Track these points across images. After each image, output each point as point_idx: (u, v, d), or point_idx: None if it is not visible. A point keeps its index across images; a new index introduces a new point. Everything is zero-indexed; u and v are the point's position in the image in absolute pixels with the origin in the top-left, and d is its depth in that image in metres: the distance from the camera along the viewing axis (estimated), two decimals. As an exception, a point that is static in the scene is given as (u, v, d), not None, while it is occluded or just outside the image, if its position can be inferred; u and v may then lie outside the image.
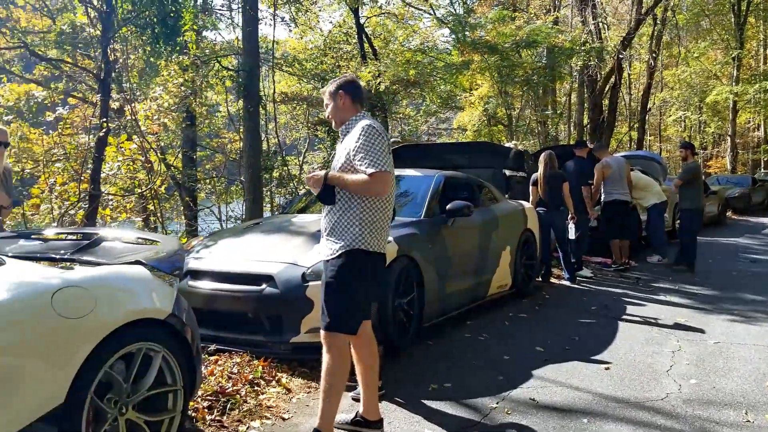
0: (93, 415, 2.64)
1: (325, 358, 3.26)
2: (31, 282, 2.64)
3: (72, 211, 8.39)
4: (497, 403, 3.89)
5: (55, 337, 2.49)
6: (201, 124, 14.25)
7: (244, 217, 11.24)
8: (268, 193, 13.11)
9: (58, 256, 3.28)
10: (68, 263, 3.18)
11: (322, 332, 3.28)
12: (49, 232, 4.06)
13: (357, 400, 3.67)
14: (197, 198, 13.51)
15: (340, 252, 3.25)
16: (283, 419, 3.61)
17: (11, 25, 12.51)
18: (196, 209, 12.79)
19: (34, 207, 8.62)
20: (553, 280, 8.45)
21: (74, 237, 3.90)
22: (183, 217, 12.71)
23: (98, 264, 3.11)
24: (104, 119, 8.08)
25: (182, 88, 10.31)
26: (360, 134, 3.27)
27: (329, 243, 3.31)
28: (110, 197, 9.47)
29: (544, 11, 19.31)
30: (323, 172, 3.33)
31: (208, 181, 14.07)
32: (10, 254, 3.14)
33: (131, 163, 9.72)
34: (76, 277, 2.74)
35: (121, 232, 4.31)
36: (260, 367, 4.18)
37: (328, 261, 3.30)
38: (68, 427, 2.49)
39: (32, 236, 3.88)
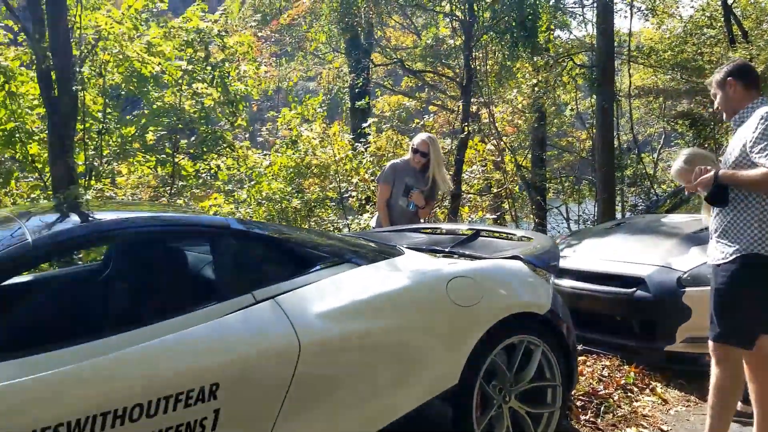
0: (480, 399, 2.80)
1: (715, 371, 2.95)
2: (429, 271, 2.91)
3: (434, 209, 9.12)
4: None
5: (451, 322, 2.70)
6: (549, 124, 14.31)
7: (595, 217, 10.94)
8: (619, 192, 12.55)
9: (440, 249, 3.57)
10: (450, 256, 3.43)
11: (710, 343, 2.98)
12: (432, 227, 4.46)
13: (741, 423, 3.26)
14: (546, 197, 13.59)
15: (734, 256, 2.90)
16: (662, 430, 3.37)
17: (383, 44, 14.19)
18: (545, 208, 12.86)
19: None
20: None
21: (454, 232, 4.21)
22: (532, 216, 12.89)
23: (477, 258, 3.30)
24: (465, 123, 8.61)
25: (536, 88, 10.46)
26: (758, 123, 2.88)
27: (720, 246, 2.99)
28: (468, 196, 10.07)
29: None
30: (713, 171, 3.01)
31: (556, 180, 14.05)
32: (405, 246, 3.50)
33: (486, 164, 10.19)
34: (466, 269, 2.94)
35: (497, 228, 4.52)
36: (632, 373, 3.98)
37: (718, 266, 2.98)
38: (461, 407, 2.68)
39: (419, 231, 4.30)
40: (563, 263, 4.80)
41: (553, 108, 13.38)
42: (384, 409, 2.53)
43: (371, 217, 7.76)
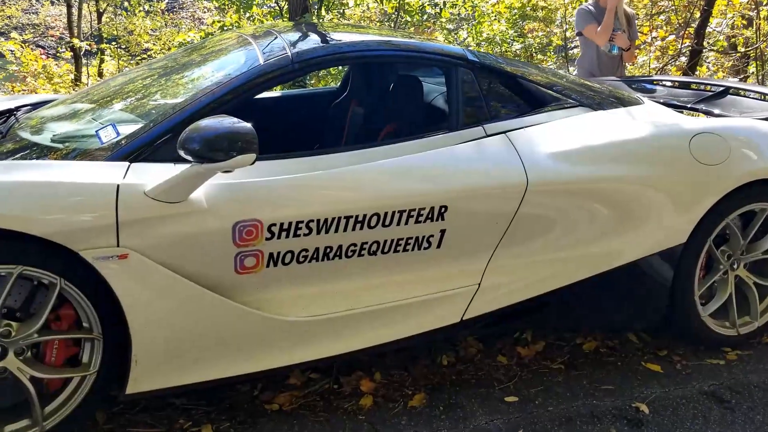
0: (705, 262, 2.68)
1: None
2: (670, 123, 2.73)
3: (669, 66, 8.33)
4: None
5: (690, 180, 2.55)
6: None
7: None
8: None
9: (679, 104, 3.29)
10: (692, 112, 3.16)
11: None
12: (671, 79, 4.10)
13: None
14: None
15: None
16: None
17: None
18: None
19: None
20: None
21: (698, 87, 3.84)
22: (781, 84, 11.29)
23: (724, 116, 3.01)
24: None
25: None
26: None
27: None
28: (710, 54, 9.02)
29: None
30: None
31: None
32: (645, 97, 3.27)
33: (739, 19, 8.93)
34: (713, 125, 2.72)
35: (752, 86, 4.05)
36: None
37: None
38: (684, 267, 2.60)
39: (653, 82, 3.98)
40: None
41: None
42: (605, 255, 2.52)
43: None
